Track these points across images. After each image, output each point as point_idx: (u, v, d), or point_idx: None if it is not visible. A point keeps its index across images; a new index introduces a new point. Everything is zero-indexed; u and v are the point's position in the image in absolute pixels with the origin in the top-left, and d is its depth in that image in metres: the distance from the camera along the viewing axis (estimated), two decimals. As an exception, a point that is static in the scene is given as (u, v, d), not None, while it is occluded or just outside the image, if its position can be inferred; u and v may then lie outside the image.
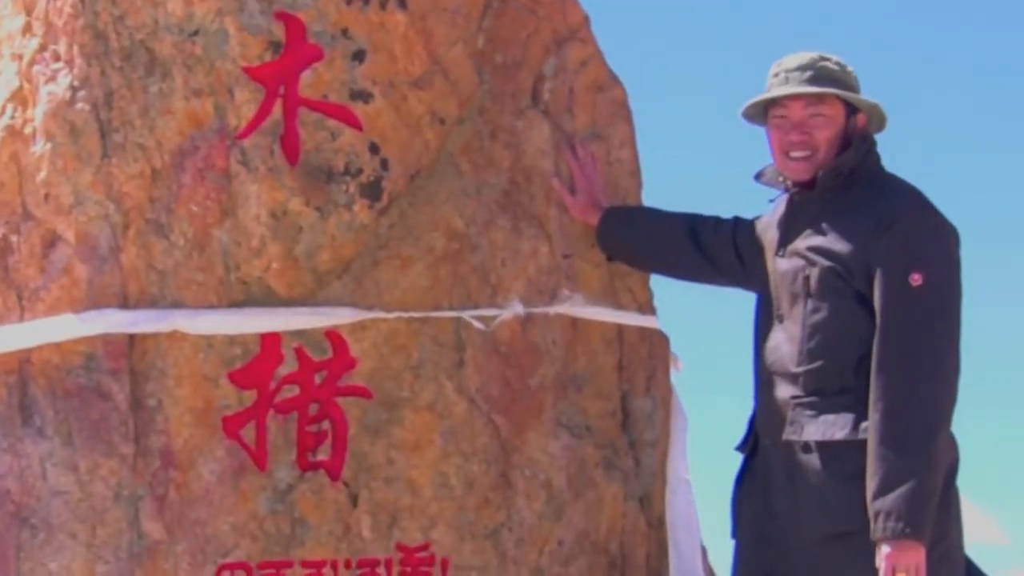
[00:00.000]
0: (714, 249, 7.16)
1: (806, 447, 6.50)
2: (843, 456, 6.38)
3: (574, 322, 7.29)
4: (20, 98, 7.16)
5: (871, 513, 6.22)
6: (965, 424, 6.57)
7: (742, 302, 7.32)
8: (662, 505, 7.39)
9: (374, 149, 6.87)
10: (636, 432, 7.44)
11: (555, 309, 7.18)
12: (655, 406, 7.49)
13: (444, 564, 6.83)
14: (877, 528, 6.17)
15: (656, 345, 7.62)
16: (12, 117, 7.17)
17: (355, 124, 6.86)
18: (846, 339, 6.50)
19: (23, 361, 6.96)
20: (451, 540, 6.87)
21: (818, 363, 6.55)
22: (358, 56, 6.89)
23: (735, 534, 7.02)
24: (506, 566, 6.93)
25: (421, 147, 6.98)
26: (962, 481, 6.60)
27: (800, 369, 6.60)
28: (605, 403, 7.36)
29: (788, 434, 6.56)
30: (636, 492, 7.34)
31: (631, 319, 7.50)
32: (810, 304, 6.56)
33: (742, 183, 7.50)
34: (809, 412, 6.52)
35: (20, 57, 7.22)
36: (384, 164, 6.88)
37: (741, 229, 7.14)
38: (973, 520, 7.14)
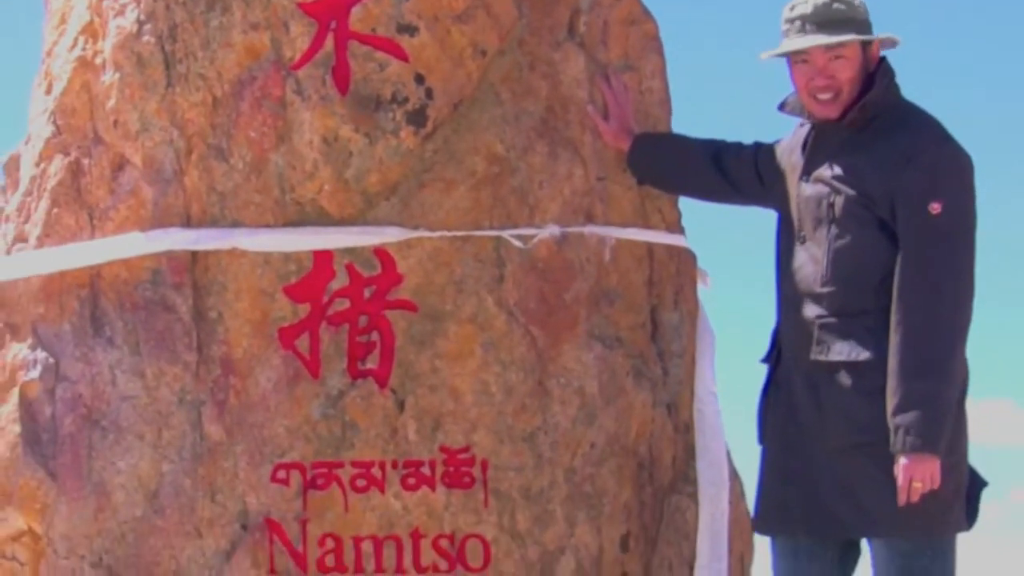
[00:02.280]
0: (736, 173, 7.35)
1: (832, 366, 6.69)
2: (866, 374, 6.58)
3: (604, 241, 7.46)
4: (91, 31, 7.43)
5: (891, 427, 6.43)
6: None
7: (767, 220, 7.45)
8: (688, 411, 7.61)
9: (419, 79, 7.06)
10: (664, 343, 7.65)
11: (589, 229, 7.38)
12: (682, 319, 7.69)
13: (484, 465, 7.05)
14: (896, 441, 6.39)
15: (684, 262, 7.82)
16: (83, 49, 7.44)
17: (402, 56, 7.05)
18: (868, 264, 6.68)
19: (94, 276, 7.23)
20: (490, 443, 7.09)
21: (841, 285, 6.73)
22: None
23: (761, 440, 7.20)
24: (541, 467, 7.13)
25: (463, 77, 7.17)
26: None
27: (824, 290, 6.77)
28: (635, 316, 7.55)
29: (815, 354, 6.73)
30: (664, 399, 7.54)
31: (660, 238, 7.68)
32: (834, 229, 6.74)
33: (765, 112, 7.75)
34: (834, 332, 6.71)
35: None
36: (429, 93, 7.07)
37: (762, 153, 7.32)
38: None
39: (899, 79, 7.02)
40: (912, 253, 6.56)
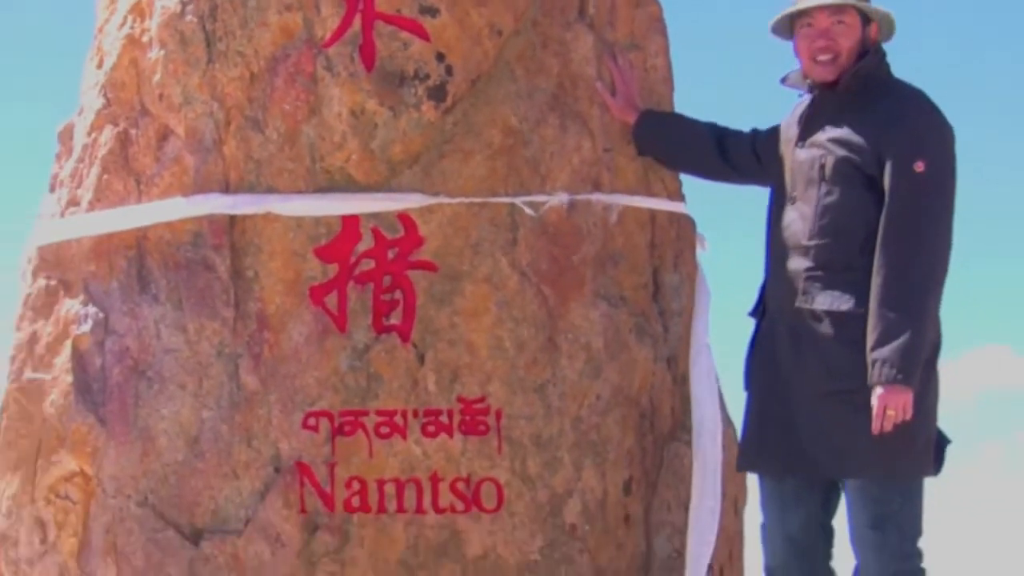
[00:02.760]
0: (735, 154, 7.38)
1: (814, 315, 6.71)
2: (847, 324, 6.61)
3: (609, 208, 7.46)
4: (139, 11, 7.44)
5: (869, 361, 6.49)
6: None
7: (762, 192, 7.48)
8: (686, 365, 7.59)
9: (440, 57, 7.05)
10: (665, 303, 7.65)
11: (596, 197, 7.36)
12: (682, 280, 7.69)
13: (498, 414, 7.05)
14: (873, 374, 6.44)
15: (684, 228, 7.81)
16: (132, 27, 7.44)
17: (424, 35, 7.03)
18: (854, 220, 6.71)
19: (140, 238, 7.25)
20: (504, 394, 7.08)
21: (828, 239, 6.76)
22: None
23: (747, 387, 7.22)
24: (551, 416, 7.12)
25: (481, 55, 7.15)
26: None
27: (812, 243, 6.79)
28: (638, 277, 7.54)
29: (800, 302, 6.77)
30: (664, 354, 7.54)
31: (662, 205, 7.68)
32: (824, 187, 6.76)
33: (763, 90, 7.75)
34: (819, 284, 6.73)
35: None
36: (449, 70, 7.06)
37: (760, 136, 7.37)
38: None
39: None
40: (896, 206, 6.61)
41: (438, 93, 7.08)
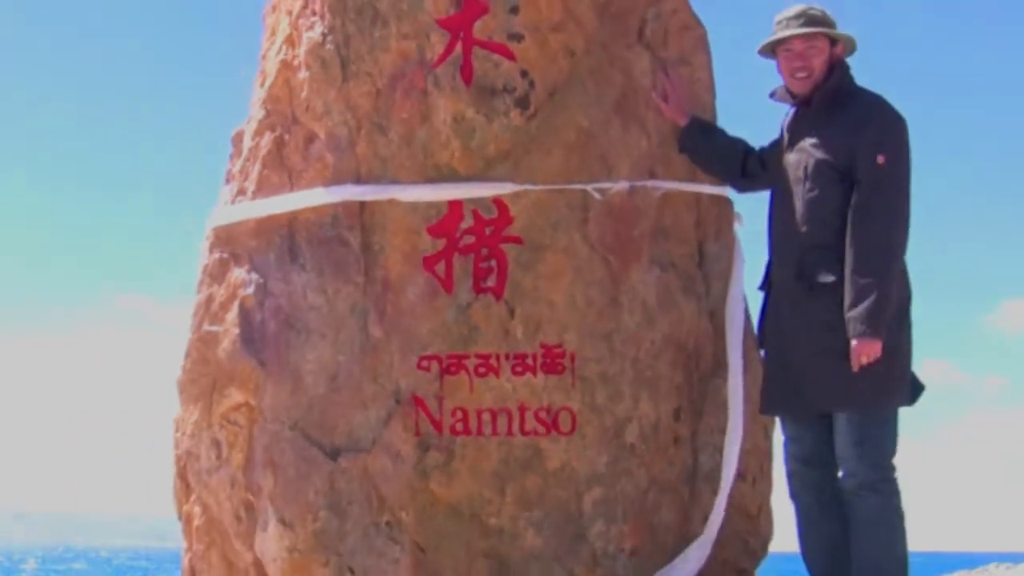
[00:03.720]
0: (751, 171, 7.54)
1: (809, 287, 6.93)
2: (833, 293, 6.82)
3: (662, 192, 7.59)
4: (290, 41, 7.66)
5: (846, 319, 6.72)
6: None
7: None
8: (723, 317, 7.70)
9: (524, 74, 7.24)
10: (707, 268, 7.77)
11: (652, 183, 7.51)
12: (721, 250, 7.79)
13: (572, 356, 7.24)
14: (849, 329, 6.68)
15: (724, 208, 7.90)
16: (285, 54, 7.68)
17: (511, 57, 7.24)
18: (832, 210, 6.94)
19: (291, 220, 7.48)
20: (577, 340, 7.26)
21: (814, 227, 6.99)
22: (514, 10, 7.24)
23: (761, 345, 7.45)
24: (614, 358, 7.30)
25: (557, 72, 7.33)
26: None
27: (802, 230, 7.02)
28: (686, 247, 7.69)
29: (797, 277, 7.00)
30: (706, 309, 7.67)
31: (705, 189, 7.79)
32: (807, 185, 7.02)
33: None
34: (809, 262, 6.94)
35: (291, 13, 7.68)
36: (531, 84, 7.25)
37: (766, 149, 7.53)
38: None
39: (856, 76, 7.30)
40: (862, 193, 6.86)
41: (523, 102, 7.26)
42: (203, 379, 7.66)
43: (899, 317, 6.92)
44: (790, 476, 7.26)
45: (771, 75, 7.42)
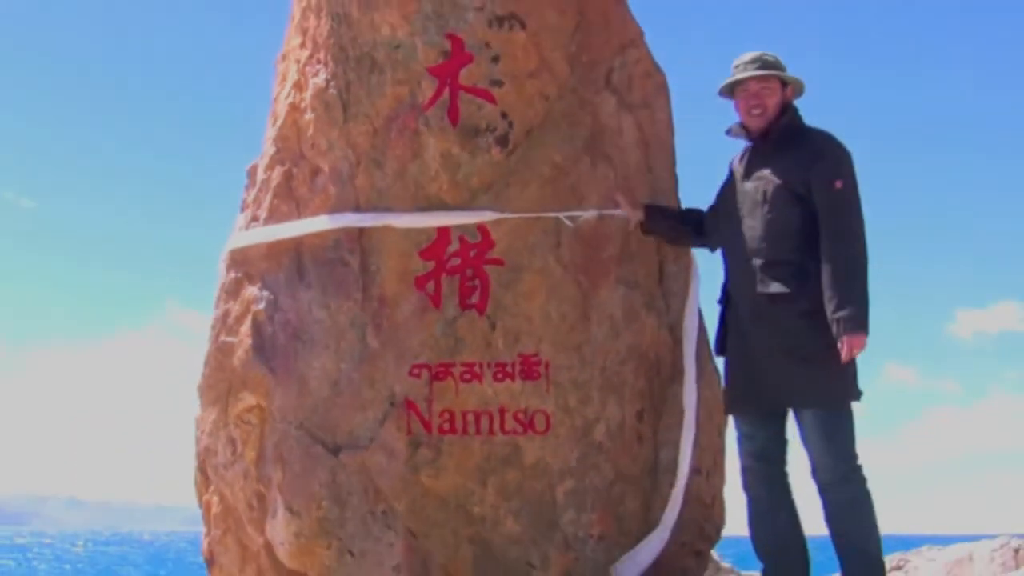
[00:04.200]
0: (707, 232, 7.63)
1: (768, 297, 7.02)
2: (790, 302, 6.97)
3: (627, 220, 7.65)
4: (298, 86, 7.79)
5: (832, 320, 6.81)
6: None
7: None
8: (681, 330, 7.78)
9: (504, 115, 7.36)
10: (667, 286, 7.85)
11: (617, 212, 7.61)
12: (680, 270, 7.88)
13: (547, 365, 7.36)
14: (839, 329, 6.78)
15: None
16: (293, 98, 7.82)
17: (492, 101, 7.35)
18: (789, 229, 7.06)
19: (298, 243, 7.60)
20: (551, 351, 7.39)
21: (771, 243, 7.08)
22: (495, 59, 7.35)
23: (720, 352, 7.49)
24: (584, 366, 7.42)
25: (533, 114, 7.45)
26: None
27: (761, 246, 7.10)
28: (648, 268, 7.79)
29: (759, 288, 7.07)
30: (666, 322, 7.76)
31: None
32: (766, 207, 7.10)
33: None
34: (768, 275, 7.04)
35: (299, 61, 7.84)
36: (510, 124, 7.37)
37: (715, 203, 7.64)
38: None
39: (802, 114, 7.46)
40: (828, 215, 6.99)
41: (503, 141, 7.38)
42: (220, 384, 7.76)
43: None
44: (744, 471, 7.35)
45: (724, 115, 7.57)
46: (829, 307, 6.85)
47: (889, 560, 11.22)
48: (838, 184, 7.03)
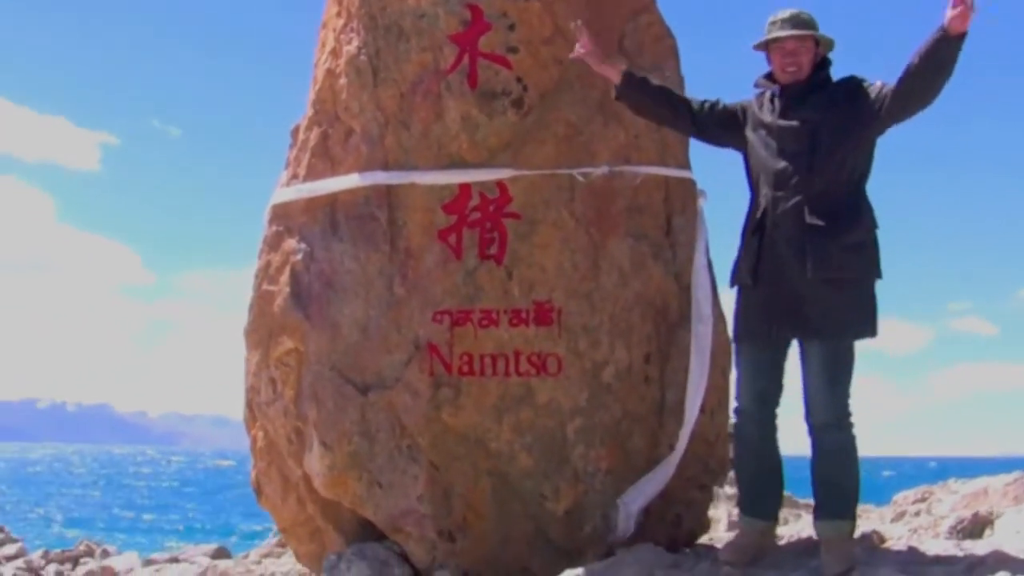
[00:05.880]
0: (701, 121, 7.49)
1: (814, 228, 6.93)
2: (837, 234, 6.92)
3: (636, 175, 7.90)
4: (334, 52, 8.10)
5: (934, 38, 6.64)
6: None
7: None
8: (689, 278, 7.94)
9: (519, 80, 7.66)
10: (674, 237, 8.05)
11: (627, 168, 7.85)
12: (687, 221, 8.06)
13: (559, 311, 7.65)
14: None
15: (688, 187, 8.18)
16: (330, 63, 8.12)
17: (509, 66, 7.64)
18: (834, 164, 7.00)
19: (333, 199, 7.93)
20: (564, 298, 7.67)
21: (821, 177, 7.00)
22: (511, 27, 7.64)
23: (753, 281, 7.16)
24: (594, 312, 7.70)
25: (548, 78, 7.73)
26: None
27: (808, 179, 7.00)
28: (656, 220, 8.01)
29: (809, 220, 6.94)
30: (673, 271, 7.96)
31: (672, 172, 8.10)
32: (814, 142, 7.04)
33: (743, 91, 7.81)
34: (818, 207, 6.97)
35: (335, 29, 8.14)
36: (525, 88, 7.66)
37: (729, 108, 7.49)
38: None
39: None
40: (880, 100, 6.96)
41: (518, 104, 7.66)
42: (262, 329, 8.11)
43: (876, 257, 7.10)
44: (739, 412, 7.37)
45: (728, 72, 7.72)
46: (922, 47, 6.78)
47: (915, 492, 11.49)
48: (880, 83, 7.07)
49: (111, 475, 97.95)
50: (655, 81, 7.63)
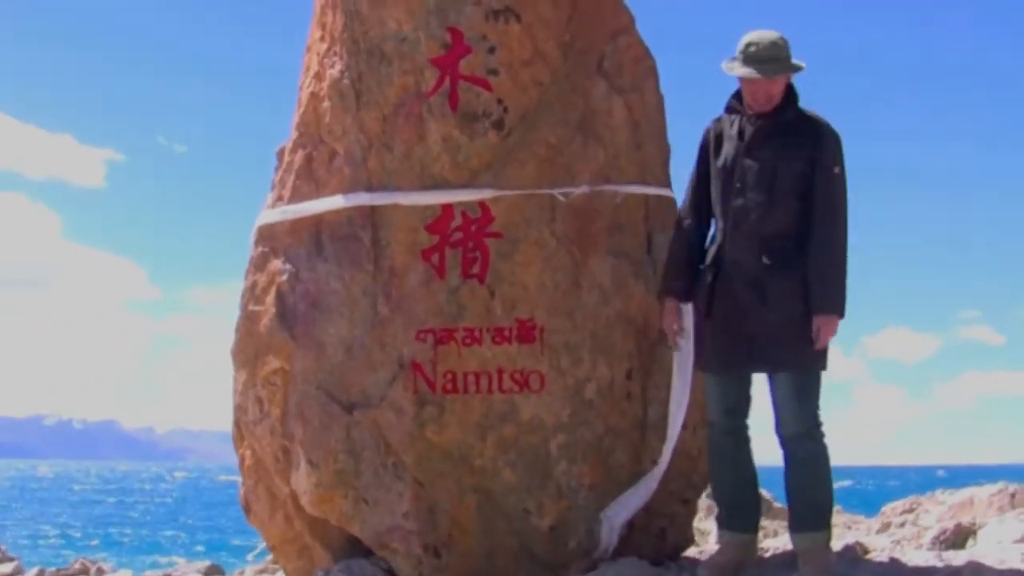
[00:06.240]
0: (704, 211, 7.52)
1: (770, 269, 7.11)
2: (790, 276, 7.09)
3: (616, 194, 7.94)
4: (318, 76, 8.14)
5: (815, 299, 6.97)
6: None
7: None
8: None
9: (499, 102, 7.69)
10: (655, 254, 8.01)
11: (607, 187, 7.89)
12: (667, 239, 7.82)
13: (542, 329, 7.69)
14: (821, 307, 6.99)
15: (668, 204, 8.17)
16: (314, 86, 8.17)
17: (489, 88, 7.68)
18: (793, 205, 7.12)
19: (317, 220, 7.95)
20: (545, 316, 7.70)
21: (778, 218, 7.12)
22: (491, 50, 7.68)
23: (707, 315, 7.35)
24: (576, 330, 7.74)
25: (527, 100, 7.76)
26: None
27: (767, 220, 7.12)
28: (636, 239, 8.04)
29: (764, 259, 7.10)
30: (653, 289, 7.87)
31: (652, 191, 8.13)
32: (773, 184, 7.14)
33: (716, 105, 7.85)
34: (772, 249, 7.12)
35: (318, 53, 8.18)
36: (505, 110, 7.69)
37: (703, 177, 7.52)
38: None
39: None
40: (822, 198, 7.07)
41: (499, 125, 7.71)
42: (249, 348, 8.15)
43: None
44: (711, 425, 7.45)
45: (706, 92, 7.82)
46: (814, 287, 7.04)
47: (903, 503, 11.61)
48: (836, 170, 7.14)
49: (112, 491, 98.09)
50: (682, 255, 7.62)
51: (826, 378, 7.25)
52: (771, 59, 7.18)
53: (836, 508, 16.40)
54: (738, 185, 7.28)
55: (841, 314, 7.09)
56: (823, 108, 7.49)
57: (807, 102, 7.36)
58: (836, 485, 7.41)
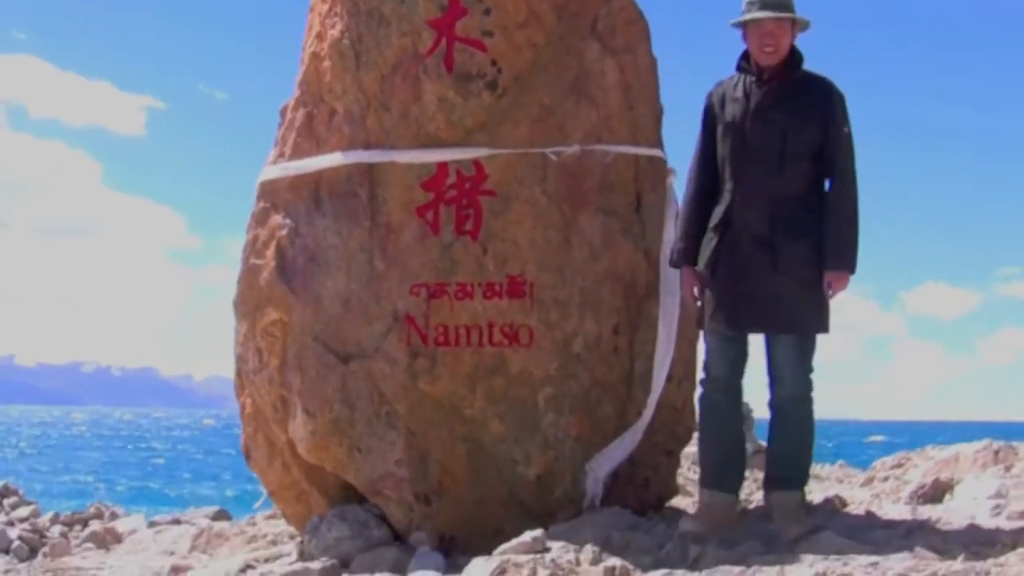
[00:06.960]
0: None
1: (783, 229, 7.17)
2: (803, 236, 7.16)
3: (607, 154, 8.03)
4: (319, 36, 8.24)
5: (828, 255, 7.05)
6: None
7: None
8: (657, 252, 8.08)
9: (493, 63, 7.80)
10: (644, 213, 8.17)
11: (598, 147, 7.97)
12: (656, 198, 8.18)
13: (532, 284, 7.80)
14: (833, 264, 7.07)
15: (658, 165, 8.30)
16: (315, 47, 8.27)
17: (484, 49, 7.78)
18: (804, 168, 7.20)
19: (317, 177, 8.09)
20: (536, 272, 7.82)
21: (789, 180, 7.15)
22: (487, 12, 7.77)
23: (712, 275, 7.35)
24: (565, 286, 7.85)
25: (522, 61, 7.86)
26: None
27: (778, 182, 7.16)
28: (626, 197, 8.13)
29: (775, 223, 7.14)
30: (642, 247, 8.08)
31: (643, 151, 8.21)
32: (784, 147, 7.18)
33: (714, 71, 7.97)
34: (784, 210, 7.17)
35: (320, 14, 8.27)
36: (499, 71, 7.80)
37: (712, 134, 7.51)
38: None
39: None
40: (838, 158, 7.16)
41: (492, 85, 7.81)
42: (250, 301, 8.31)
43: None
44: (706, 381, 7.46)
45: (699, 55, 7.84)
46: (829, 243, 7.10)
47: (893, 458, 11.73)
48: (845, 129, 7.19)
49: (143, 437, 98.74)
50: (697, 226, 7.59)
51: (865, 333, 7.41)
52: (780, 5, 7.30)
53: (839, 462, 16.63)
54: (747, 147, 7.31)
55: (853, 270, 7.17)
56: (876, 63, 7.53)
57: (842, 61, 7.42)
58: (869, 439, 7.54)
